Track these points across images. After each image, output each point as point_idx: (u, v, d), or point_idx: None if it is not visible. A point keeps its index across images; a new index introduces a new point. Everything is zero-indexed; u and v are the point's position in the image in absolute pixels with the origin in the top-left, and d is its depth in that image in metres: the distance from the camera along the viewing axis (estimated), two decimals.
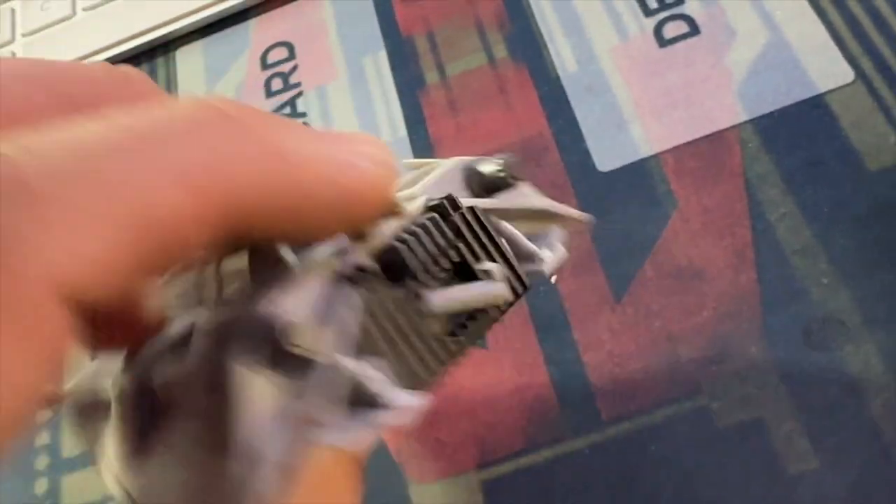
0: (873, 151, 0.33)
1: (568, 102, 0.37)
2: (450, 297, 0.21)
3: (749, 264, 0.32)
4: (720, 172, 0.34)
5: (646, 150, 0.35)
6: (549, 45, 0.39)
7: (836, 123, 0.34)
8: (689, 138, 0.35)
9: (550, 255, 0.24)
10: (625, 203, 0.35)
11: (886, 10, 0.36)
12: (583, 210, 0.34)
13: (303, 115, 0.41)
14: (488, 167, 0.23)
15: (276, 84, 0.42)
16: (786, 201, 0.33)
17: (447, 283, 0.21)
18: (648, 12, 0.39)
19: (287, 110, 0.41)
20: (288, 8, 0.45)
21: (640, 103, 0.36)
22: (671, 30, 0.38)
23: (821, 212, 0.32)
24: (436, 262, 0.21)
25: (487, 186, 0.23)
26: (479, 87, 0.39)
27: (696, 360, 0.31)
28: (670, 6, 0.39)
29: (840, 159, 0.33)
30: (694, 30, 0.38)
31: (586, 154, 0.36)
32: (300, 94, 0.42)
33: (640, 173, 0.35)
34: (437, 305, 0.21)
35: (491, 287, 0.22)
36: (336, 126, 0.40)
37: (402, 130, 0.39)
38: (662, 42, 0.38)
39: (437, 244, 0.21)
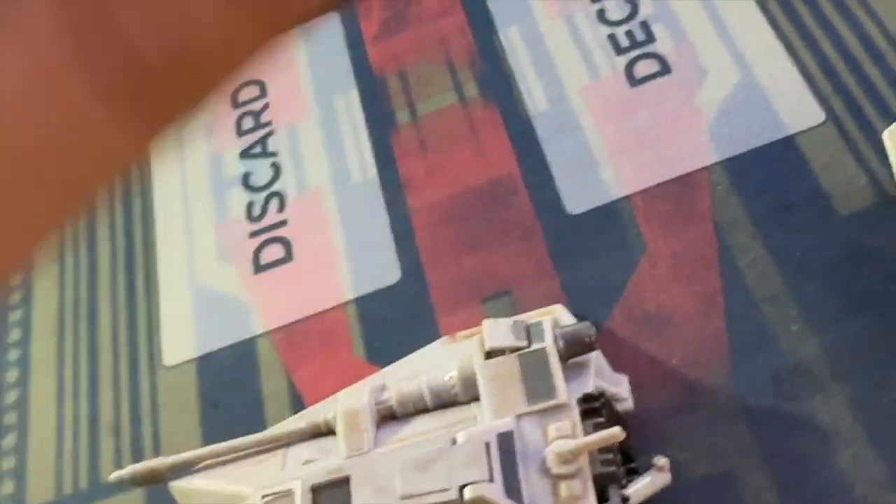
0: (843, 195, 0.32)
1: (538, 142, 0.37)
2: (641, 494, 0.27)
3: (718, 311, 0.31)
4: (690, 215, 0.34)
5: (616, 192, 0.35)
6: (521, 84, 0.39)
7: (807, 165, 0.33)
8: (660, 180, 0.35)
9: (626, 388, 0.30)
10: (594, 247, 0.34)
11: (857, 49, 0.35)
12: (552, 254, 0.34)
13: (273, 154, 0.40)
14: (579, 335, 0.29)
15: (248, 122, 0.42)
16: (755, 246, 0.32)
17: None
18: (620, 50, 0.38)
19: (258, 149, 0.41)
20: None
21: (611, 144, 0.36)
22: (642, 68, 0.37)
23: (791, 257, 0.32)
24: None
25: (573, 350, 0.29)
26: (450, 127, 0.39)
27: (665, 409, 0.30)
28: (641, 44, 0.38)
29: (810, 203, 0.33)
30: (665, 69, 0.37)
31: (556, 196, 0.36)
32: (271, 133, 0.41)
33: (609, 216, 0.34)
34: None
35: (664, 476, 0.27)
36: (307, 165, 0.40)
37: (373, 171, 0.39)
38: (633, 81, 0.37)
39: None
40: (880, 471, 0.28)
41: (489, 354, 0.30)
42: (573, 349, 0.29)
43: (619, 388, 0.30)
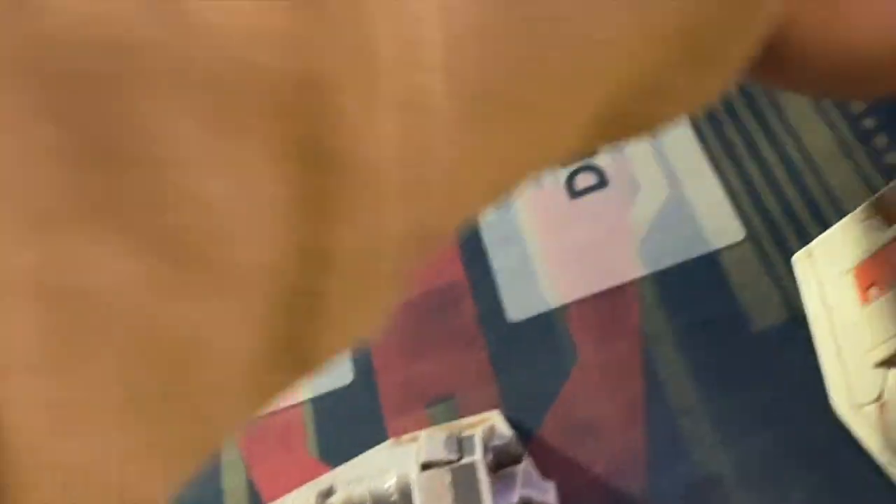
0: (758, 312, 0.35)
1: (484, 251, 0.40)
2: None
3: (639, 422, 0.34)
4: (619, 327, 0.36)
5: (553, 302, 0.37)
6: None
7: (727, 281, 0.36)
8: (593, 291, 0.37)
9: (552, 495, 0.33)
10: (531, 354, 0.37)
11: (780, 171, 0.38)
12: (493, 361, 0.36)
13: None
14: (508, 448, 0.32)
15: None
16: (677, 360, 0.35)
17: None
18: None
19: None
20: None
21: (550, 255, 0.39)
22: (581, 181, 0.40)
23: (708, 373, 0.34)
24: None
25: (502, 461, 0.32)
26: None
27: None
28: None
29: (728, 320, 0.35)
30: (602, 182, 0.40)
31: (499, 303, 0.38)
32: None
33: (546, 325, 0.37)
34: None
35: None
36: None
37: None
38: (573, 193, 0.40)
39: None
40: None
41: (425, 466, 0.32)
42: (501, 459, 0.32)
43: (546, 495, 0.33)
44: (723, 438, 0.33)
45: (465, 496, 0.31)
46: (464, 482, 0.31)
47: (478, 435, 0.32)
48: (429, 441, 0.32)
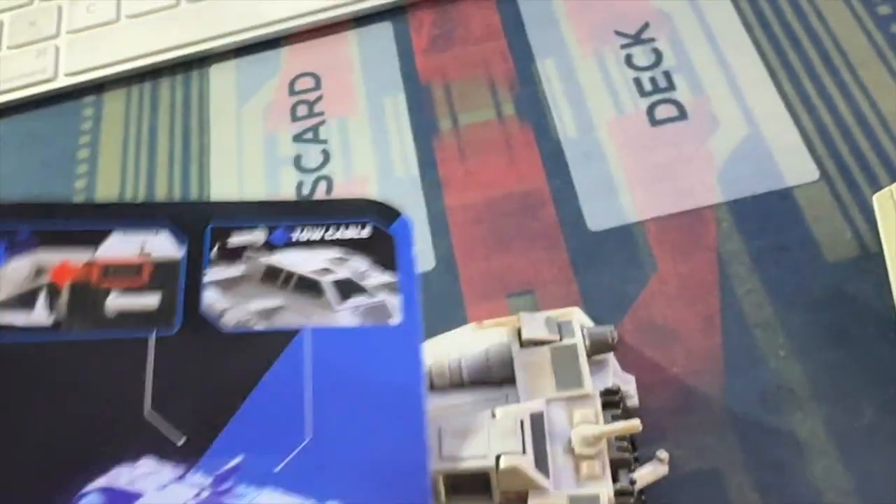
0: (831, 244, 0.34)
1: (566, 164, 0.38)
2: (645, 480, 0.29)
3: (716, 330, 0.33)
4: (696, 244, 0.35)
5: (633, 217, 0.36)
6: (553, 110, 0.40)
7: (801, 215, 0.35)
8: (672, 211, 0.36)
9: (632, 387, 0.31)
10: (610, 261, 0.35)
11: (851, 122, 0.37)
12: (572, 263, 0.35)
13: (324, 141, 0.41)
14: (604, 335, 0.30)
15: (302, 110, 0.42)
16: (752, 278, 0.34)
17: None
18: (643, 93, 0.40)
19: (310, 135, 0.41)
20: (316, 42, 0.45)
21: (631, 174, 0.37)
22: (662, 112, 0.39)
23: (782, 292, 0.34)
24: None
25: (597, 348, 0.30)
26: (487, 139, 0.40)
27: (665, 410, 0.32)
28: (663, 90, 0.40)
29: (803, 248, 0.34)
30: (682, 114, 0.39)
31: (579, 213, 0.37)
32: (323, 122, 0.42)
33: (626, 237, 0.36)
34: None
35: (664, 468, 0.29)
36: (354, 156, 0.40)
37: (415, 169, 0.39)
38: (654, 122, 0.39)
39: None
40: (847, 481, 0.30)
41: (523, 343, 0.31)
42: (597, 347, 0.30)
43: (628, 386, 0.32)
44: (796, 352, 0.32)
45: (565, 375, 0.30)
46: (564, 362, 0.30)
47: (575, 320, 0.31)
48: (529, 321, 0.31)
